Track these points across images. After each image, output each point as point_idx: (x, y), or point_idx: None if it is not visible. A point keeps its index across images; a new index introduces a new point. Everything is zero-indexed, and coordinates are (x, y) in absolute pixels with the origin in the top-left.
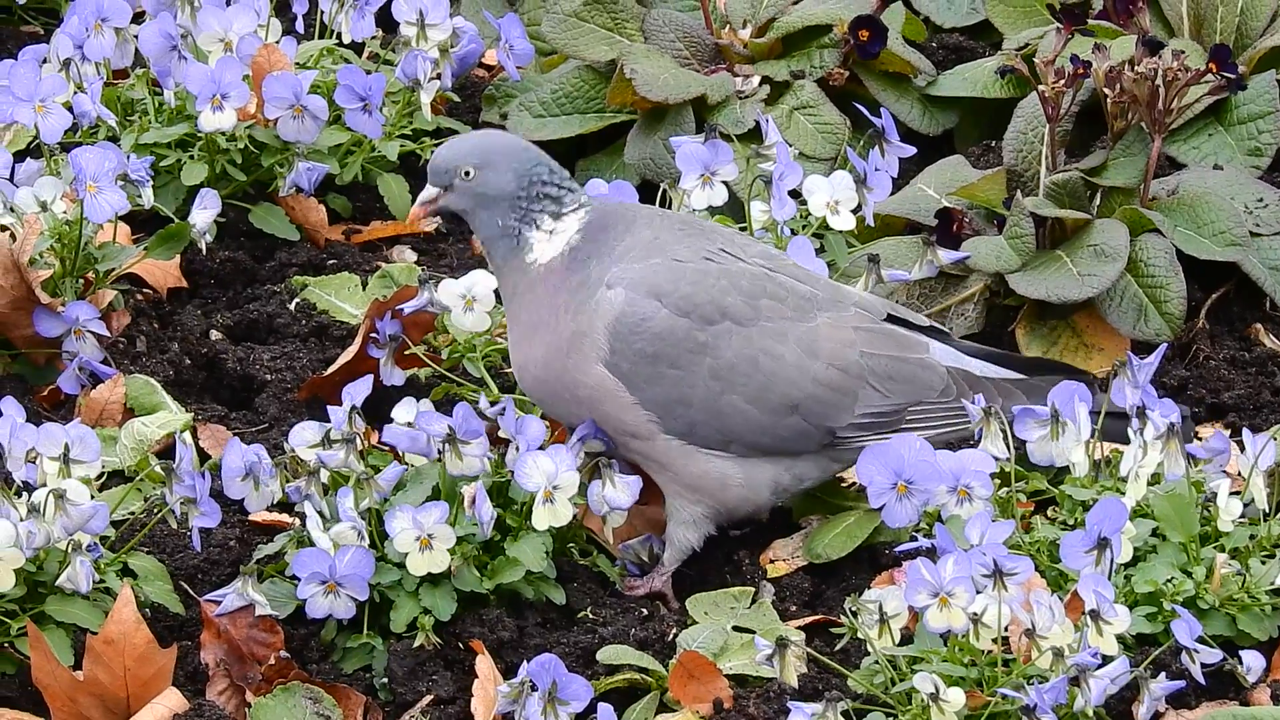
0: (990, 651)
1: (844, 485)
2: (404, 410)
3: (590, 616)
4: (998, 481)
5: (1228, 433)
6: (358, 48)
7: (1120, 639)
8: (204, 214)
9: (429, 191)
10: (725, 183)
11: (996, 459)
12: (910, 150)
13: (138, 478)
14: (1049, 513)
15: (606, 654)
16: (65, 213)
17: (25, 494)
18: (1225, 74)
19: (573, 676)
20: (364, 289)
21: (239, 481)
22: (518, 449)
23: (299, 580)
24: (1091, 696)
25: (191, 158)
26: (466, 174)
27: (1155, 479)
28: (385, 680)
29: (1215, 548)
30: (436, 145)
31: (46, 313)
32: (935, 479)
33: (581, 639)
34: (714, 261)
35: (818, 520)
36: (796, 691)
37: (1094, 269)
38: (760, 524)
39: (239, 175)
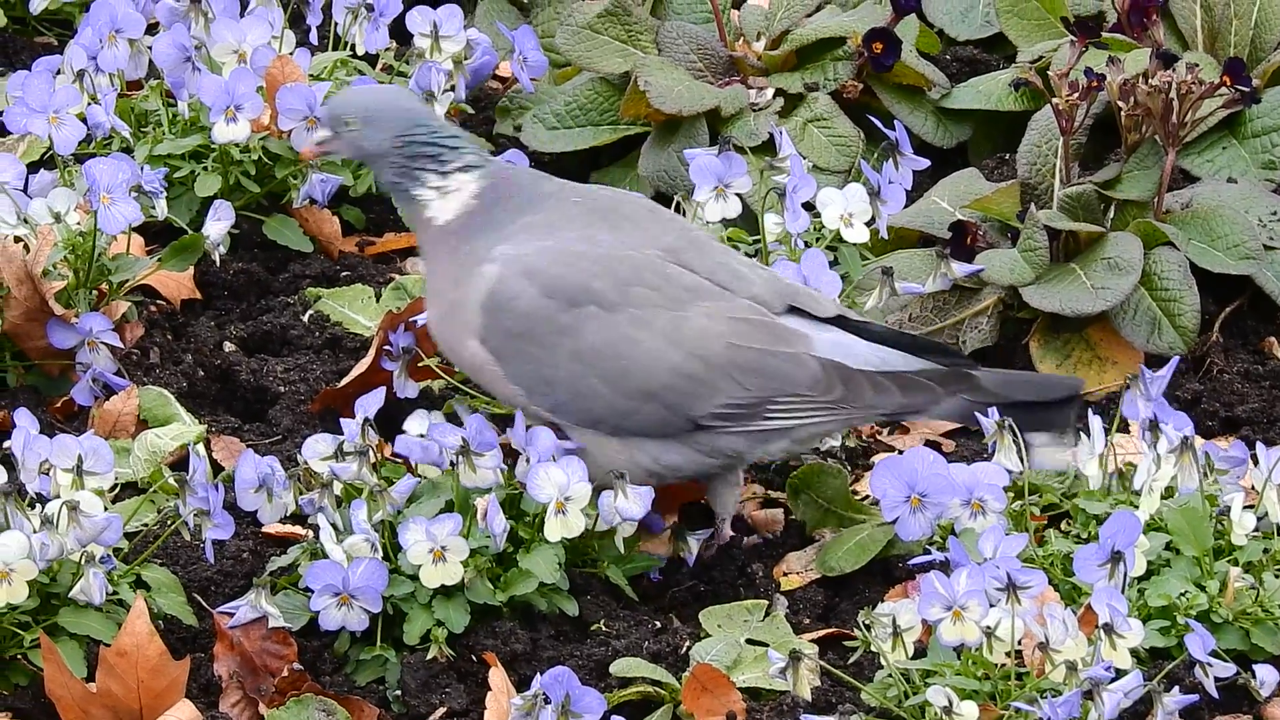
0: (1004, 665)
1: (858, 498)
2: (417, 422)
3: (603, 629)
4: (1011, 495)
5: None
6: (371, 60)
7: (1134, 653)
8: (218, 225)
9: (321, 133)
10: (739, 195)
11: (1010, 472)
12: (924, 163)
13: (151, 489)
14: (1062, 526)
15: (620, 666)
16: (79, 224)
17: (39, 505)
18: (1239, 87)
19: (586, 689)
20: (377, 301)
21: (252, 493)
22: (529, 461)
23: (312, 592)
24: (1105, 710)
25: (205, 169)
26: (348, 124)
27: (1169, 492)
28: (398, 692)
29: (1229, 561)
30: None
31: (60, 324)
32: (949, 492)
33: (595, 651)
34: (596, 247)
35: (831, 533)
36: (810, 705)
37: (1108, 282)
38: (773, 537)
39: (253, 187)
